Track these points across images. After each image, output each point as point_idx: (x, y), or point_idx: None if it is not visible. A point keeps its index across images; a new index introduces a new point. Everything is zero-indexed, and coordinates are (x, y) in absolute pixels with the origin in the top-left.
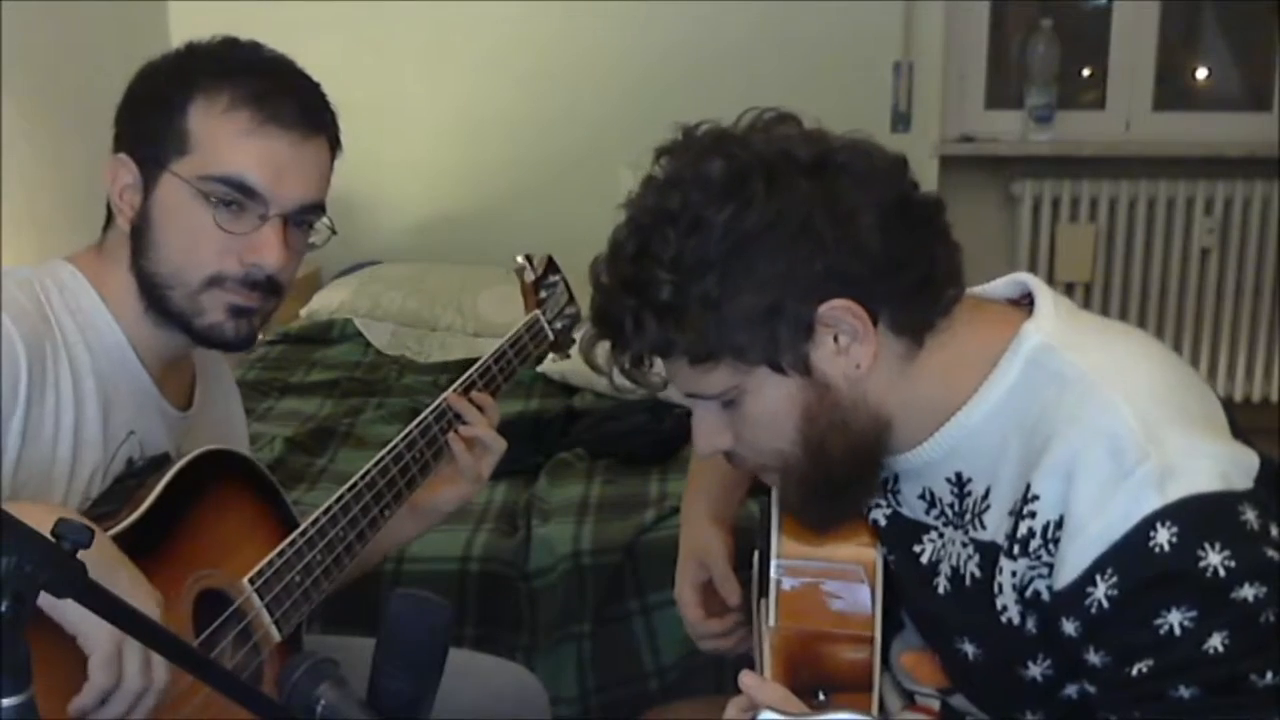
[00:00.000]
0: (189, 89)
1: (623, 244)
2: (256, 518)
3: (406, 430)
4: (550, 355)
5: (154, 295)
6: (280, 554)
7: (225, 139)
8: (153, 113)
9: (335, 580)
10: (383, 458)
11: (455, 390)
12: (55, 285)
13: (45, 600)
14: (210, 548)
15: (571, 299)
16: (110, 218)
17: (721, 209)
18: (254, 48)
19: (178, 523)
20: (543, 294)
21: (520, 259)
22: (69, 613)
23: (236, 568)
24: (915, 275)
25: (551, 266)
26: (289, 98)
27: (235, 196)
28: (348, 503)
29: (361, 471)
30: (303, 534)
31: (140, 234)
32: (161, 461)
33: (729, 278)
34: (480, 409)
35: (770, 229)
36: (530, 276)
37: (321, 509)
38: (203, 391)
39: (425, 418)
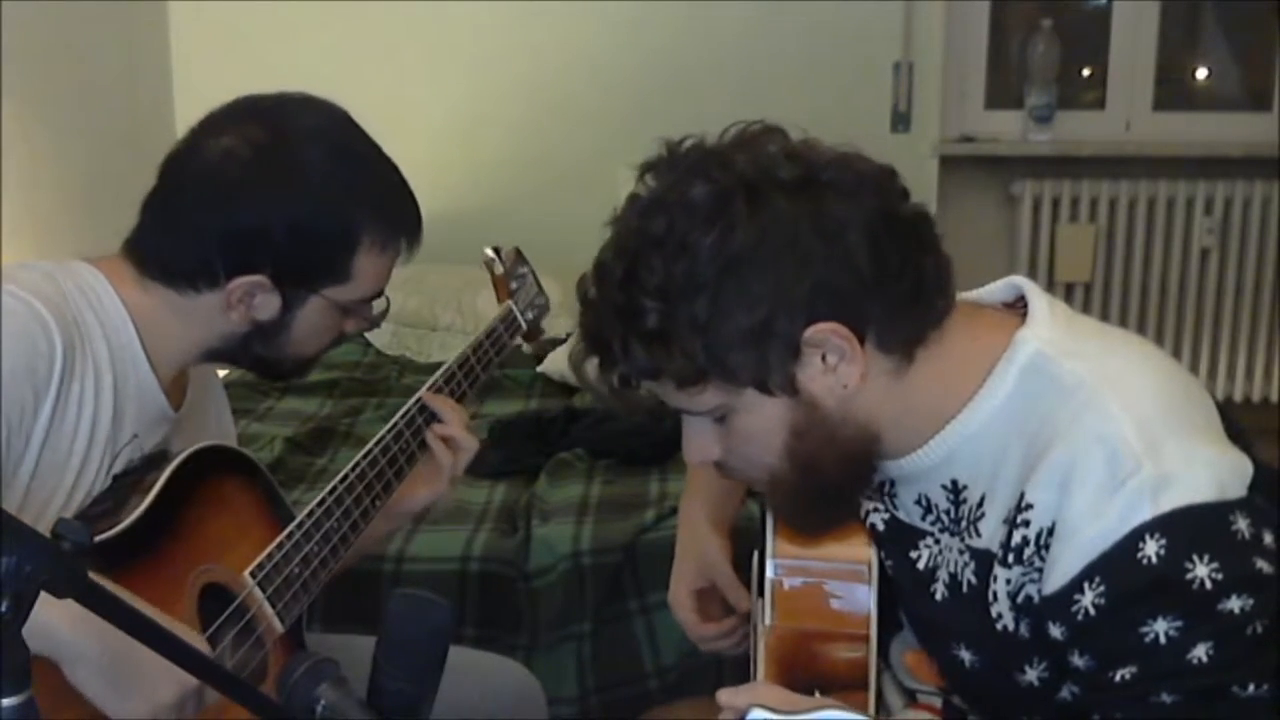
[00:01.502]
0: (357, 232)
1: (610, 266)
2: (253, 512)
3: (392, 422)
4: (523, 345)
5: (250, 361)
6: (279, 546)
7: (376, 270)
8: (315, 251)
9: (331, 571)
10: (370, 450)
11: (436, 380)
12: (75, 281)
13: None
14: (211, 542)
15: (540, 290)
16: (154, 258)
17: (707, 232)
18: (393, 167)
19: (179, 518)
20: (513, 285)
21: (489, 251)
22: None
23: (236, 562)
24: (904, 290)
25: (520, 258)
26: (419, 222)
27: (366, 306)
28: (340, 494)
29: (351, 464)
30: (299, 526)
31: (267, 333)
32: (159, 459)
33: (719, 300)
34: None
35: (758, 248)
36: (500, 269)
37: (315, 502)
38: (193, 391)
39: (410, 409)
